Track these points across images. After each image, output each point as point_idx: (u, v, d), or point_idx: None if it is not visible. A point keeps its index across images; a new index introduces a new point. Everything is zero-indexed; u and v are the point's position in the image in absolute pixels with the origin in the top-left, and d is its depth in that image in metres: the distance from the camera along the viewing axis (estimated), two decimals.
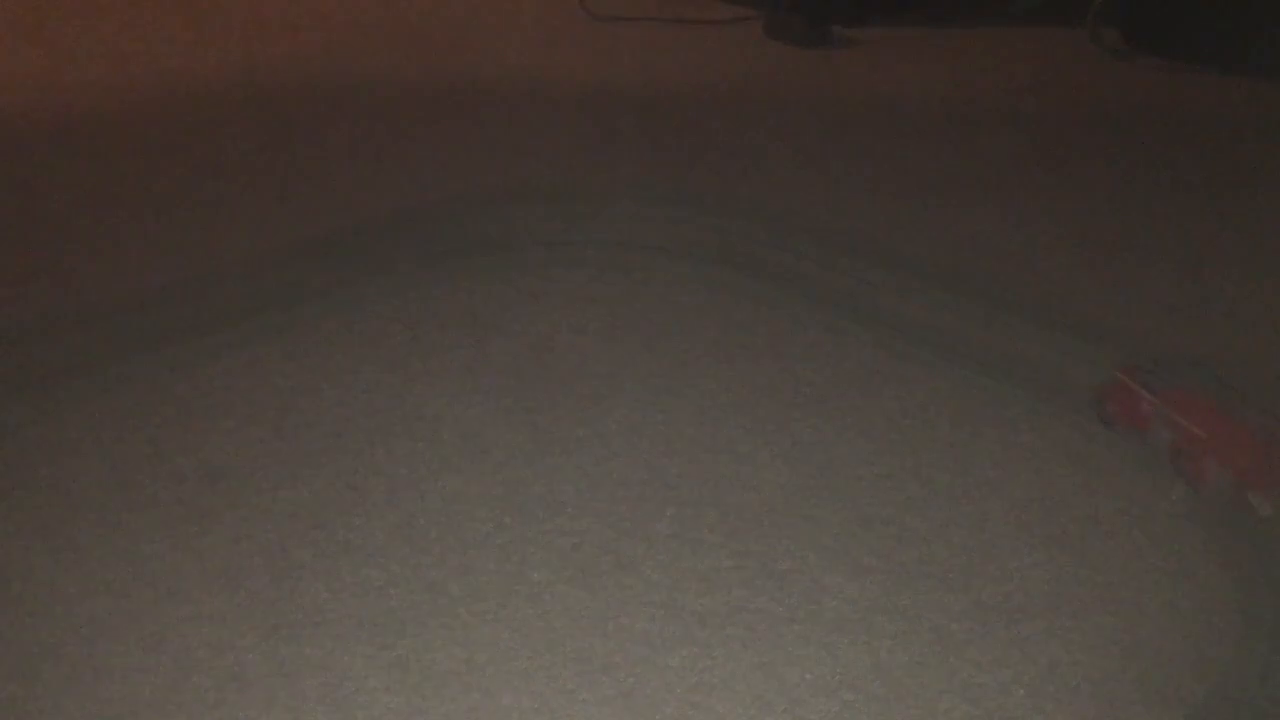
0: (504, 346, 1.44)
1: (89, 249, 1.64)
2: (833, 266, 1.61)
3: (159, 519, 1.15)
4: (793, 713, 0.96)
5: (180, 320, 1.48)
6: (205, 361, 1.40)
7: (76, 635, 1.02)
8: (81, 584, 1.07)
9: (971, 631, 1.04)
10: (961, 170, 1.92)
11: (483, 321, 1.49)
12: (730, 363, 1.41)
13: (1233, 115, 2.14)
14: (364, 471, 1.22)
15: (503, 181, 1.84)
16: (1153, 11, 2.39)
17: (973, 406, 1.34)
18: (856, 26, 2.51)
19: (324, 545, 1.12)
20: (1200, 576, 1.10)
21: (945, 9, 2.61)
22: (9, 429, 1.28)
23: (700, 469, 1.23)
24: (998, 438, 1.29)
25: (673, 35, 2.48)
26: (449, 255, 1.65)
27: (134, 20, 2.50)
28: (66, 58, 2.29)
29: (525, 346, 1.44)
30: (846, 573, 1.10)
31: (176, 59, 2.29)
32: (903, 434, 1.29)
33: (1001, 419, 1.32)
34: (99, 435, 1.27)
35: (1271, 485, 1.12)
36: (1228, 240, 1.70)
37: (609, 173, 1.88)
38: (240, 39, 2.41)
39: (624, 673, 0.99)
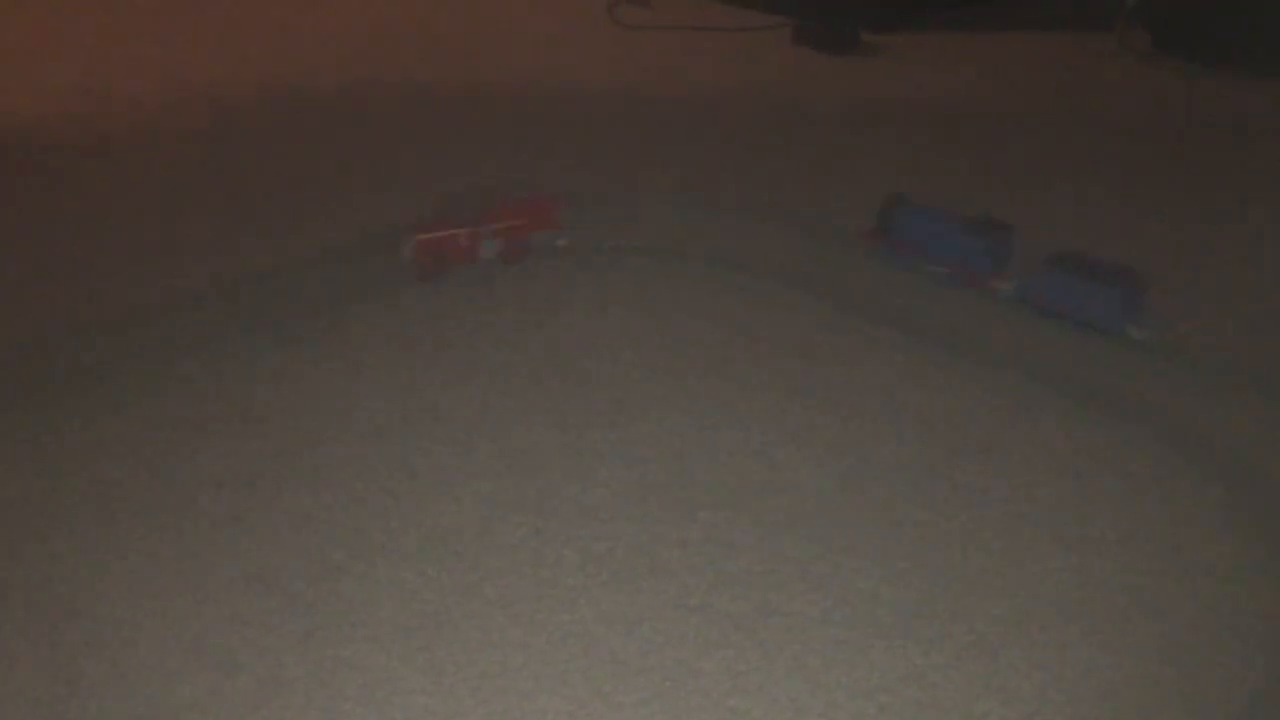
0: (536, 352, 1.44)
1: (125, 256, 1.65)
2: (864, 271, 1.62)
3: (198, 522, 1.17)
4: (829, 716, 0.96)
5: (216, 325, 1.49)
6: (241, 366, 1.41)
7: (118, 637, 1.03)
8: (122, 586, 1.09)
9: (1007, 635, 1.03)
10: (990, 174, 1.91)
11: (515, 327, 1.49)
12: (761, 367, 1.41)
13: (1262, 118, 2.12)
14: (399, 476, 1.23)
15: (534, 188, 1.84)
16: (1181, 15, 2.38)
17: (1006, 410, 1.33)
18: (885, 33, 2.51)
19: (360, 549, 1.13)
20: (1238, 580, 1.10)
21: (973, 15, 2.61)
22: (49, 433, 1.30)
23: (733, 473, 1.24)
24: (1031, 441, 1.28)
25: (702, 43, 2.49)
26: (481, 262, 1.65)
27: (163, 34, 2.53)
28: (99, 70, 2.31)
29: (557, 352, 1.44)
30: (880, 576, 1.10)
31: (206, 71, 2.31)
32: (935, 438, 1.29)
33: (1035, 422, 1.31)
34: (138, 440, 1.29)
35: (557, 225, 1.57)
36: (1258, 242, 1.69)
37: (640, 179, 1.88)
38: (267, 50, 2.43)
39: (659, 676, 0.99)
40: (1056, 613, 1.06)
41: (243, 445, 1.28)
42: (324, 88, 2.24)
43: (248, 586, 1.09)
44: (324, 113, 2.15)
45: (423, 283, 1.52)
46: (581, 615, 1.05)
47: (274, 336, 1.47)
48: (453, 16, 2.64)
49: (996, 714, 0.96)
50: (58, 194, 1.86)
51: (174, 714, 0.96)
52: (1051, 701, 0.97)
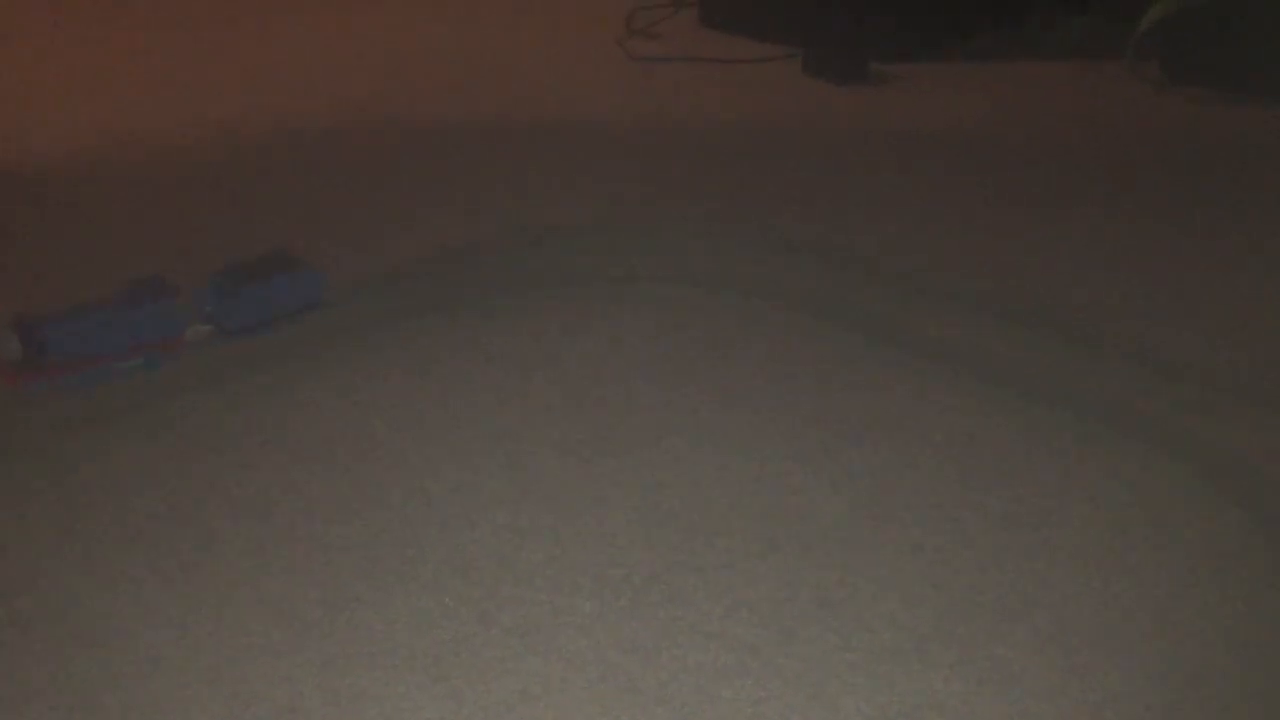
0: (552, 380, 1.44)
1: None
2: (878, 298, 1.62)
3: (215, 553, 1.17)
4: None
5: (234, 358, 1.50)
6: (259, 398, 1.41)
7: (135, 667, 1.03)
8: (140, 617, 1.09)
9: (1028, 660, 1.03)
10: (1004, 202, 1.92)
11: (530, 356, 1.50)
12: (778, 394, 1.41)
13: (1273, 145, 2.13)
14: (416, 505, 1.23)
15: (547, 220, 1.85)
16: (1191, 43, 2.39)
17: (1024, 435, 1.33)
18: (895, 62, 2.52)
19: (378, 578, 1.13)
20: (1261, 604, 1.09)
21: (983, 44, 2.62)
22: (69, 464, 1.30)
23: (750, 499, 1.23)
24: (1051, 466, 1.28)
25: (713, 74, 2.50)
26: (496, 292, 1.66)
27: (180, 71, 2.56)
28: (116, 108, 2.34)
29: (573, 380, 1.44)
30: (900, 601, 1.09)
31: (223, 107, 2.33)
32: (954, 463, 1.28)
33: (1054, 447, 1.31)
34: (156, 471, 1.29)
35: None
36: (1272, 269, 1.69)
37: (653, 209, 1.89)
38: (284, 86, 2.45)
39: (678, 703, 0.99)
40: (1079, 638, 1.05)
41: (259, 475, 1.28)
42: (340, 124, 2.26)
43: (265, 615, 1.08)
44: (341, 148, 2.17)
45: None
46: (599, 642, 1.05)
47: (290, 369, 1.47)
48: (466, 51, 2.66)
49: None
50: (77, 229, 1.88)
51: None
52: None
